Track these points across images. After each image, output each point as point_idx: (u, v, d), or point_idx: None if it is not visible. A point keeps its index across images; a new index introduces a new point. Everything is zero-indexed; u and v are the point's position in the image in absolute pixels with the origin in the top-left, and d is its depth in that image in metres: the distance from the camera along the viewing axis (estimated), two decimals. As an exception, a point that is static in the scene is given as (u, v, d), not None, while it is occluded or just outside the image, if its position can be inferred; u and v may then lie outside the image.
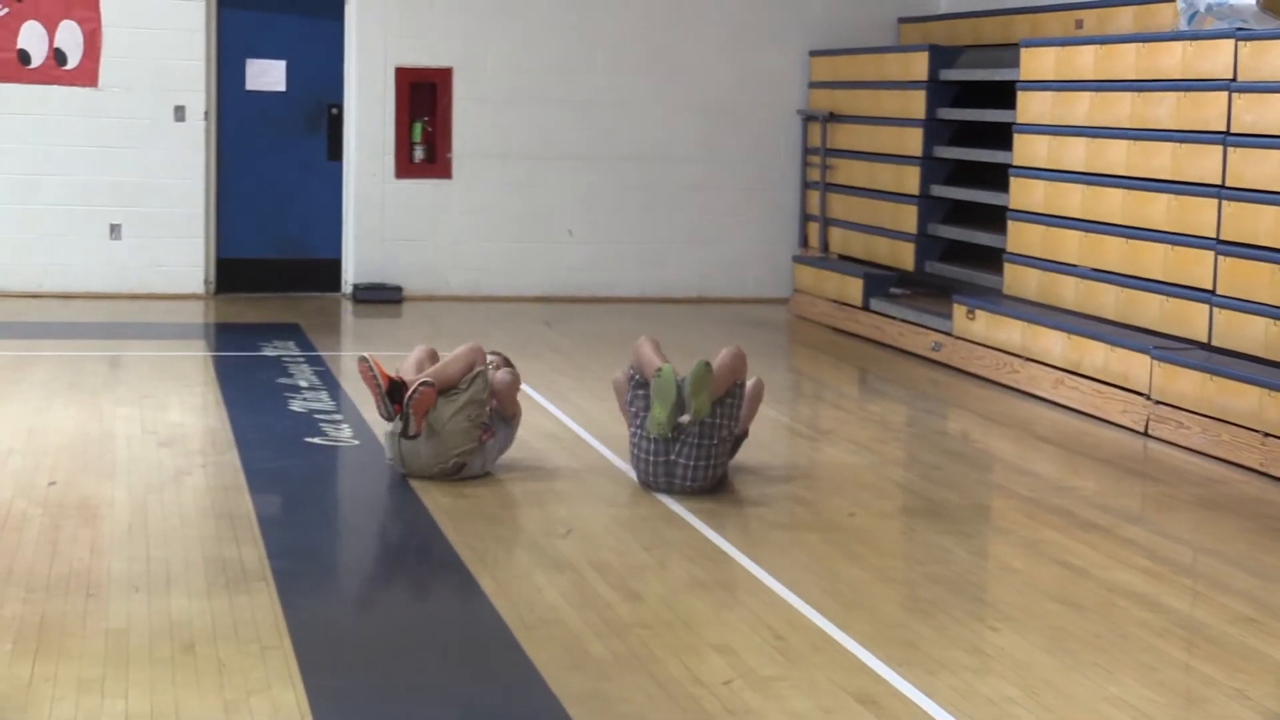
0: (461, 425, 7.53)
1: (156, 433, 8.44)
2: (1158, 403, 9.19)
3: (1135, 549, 6.86)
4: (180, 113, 13.46)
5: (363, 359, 7.55)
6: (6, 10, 13.10)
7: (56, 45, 13.23)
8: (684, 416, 7.34)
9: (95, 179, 13.38)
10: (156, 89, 13.40)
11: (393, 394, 7.48)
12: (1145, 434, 9.23)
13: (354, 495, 7.83)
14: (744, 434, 7.86)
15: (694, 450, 7.40)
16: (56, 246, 13.37)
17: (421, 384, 7.47)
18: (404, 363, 7.81)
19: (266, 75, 13.82)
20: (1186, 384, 8.96)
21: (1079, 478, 8.32)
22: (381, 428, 7.90)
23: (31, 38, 13.18)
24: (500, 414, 7.79)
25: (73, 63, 13.27)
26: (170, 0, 13.38)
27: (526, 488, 7.60)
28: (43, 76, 13.24)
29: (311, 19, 13.88)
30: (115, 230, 13.45)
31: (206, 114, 13.56)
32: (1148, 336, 9.55)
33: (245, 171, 13.82)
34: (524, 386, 8.22)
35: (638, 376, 7.56)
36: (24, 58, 13.19)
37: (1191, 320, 9.27)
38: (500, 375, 7.82)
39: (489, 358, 7.92)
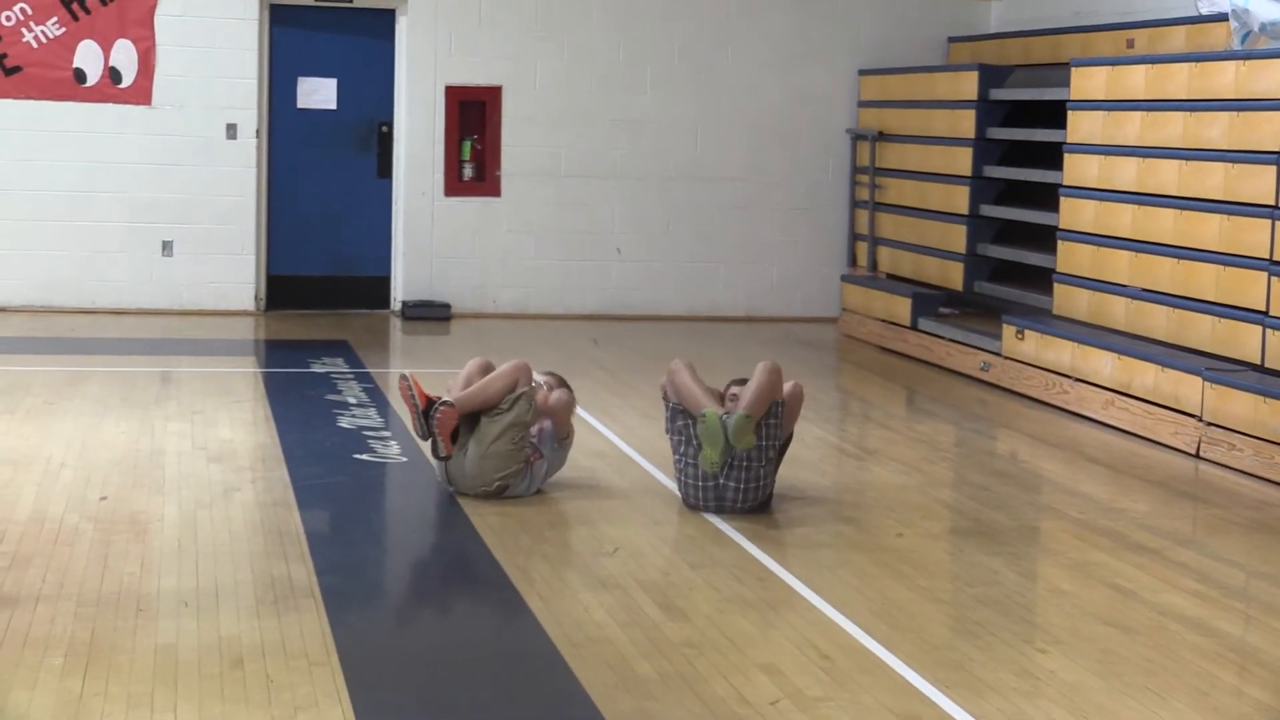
0: (505, 448, 7.52)
1: (206, 448, 8.49)
2: (1209, 424, 9.12)
3: (1186, 572, 6.81)
4: (232, 130, 13.56)
5: (403, 377, 7.58)
6: (64, 30, 13.23)
7: (112, 64, 13.35)
8: (733, 452, 7.34)
9: (148, 196, 13.48)
10: (209, 107, 13.50)
11: (429, 413, 7.50)
12: (1197, 456, 9.16)
13: (402, 512, 7.85)
14: (788, 437, 7.80)
15: (743, 474, 7.39)
16: (109, 263, 13.48)
17: (442, 403, 7.46)
18: (458, 377, 7.81)
19: (317, 93, 13.91)
20: (1239, 406, 8.89)
21: (1129, 499, 8.26)
22: (428, 445, 7.91)
23: (88, 56, 13.30)
24: (553, 435, 7.78)
25: (127, 81, 13.39)
26: (223, 19, 13.49)
27: (574, 506, 7.60)
28: (98, 95, 13.36)
29: (362, 38, 13.96)
30: (167, 247, 13.55)
31: (258, 132, 13.65)
32: (1199, 358, 9.48)
33: (296, 189, 13.91)
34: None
35: (675, 404, 7.54)
36: (80, 76, 13.31)
37: (1244, 341, 9.20)
38: (556, 395, 7.78)
39: (543, 378, 7.91)
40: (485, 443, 7.51)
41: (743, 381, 7.66)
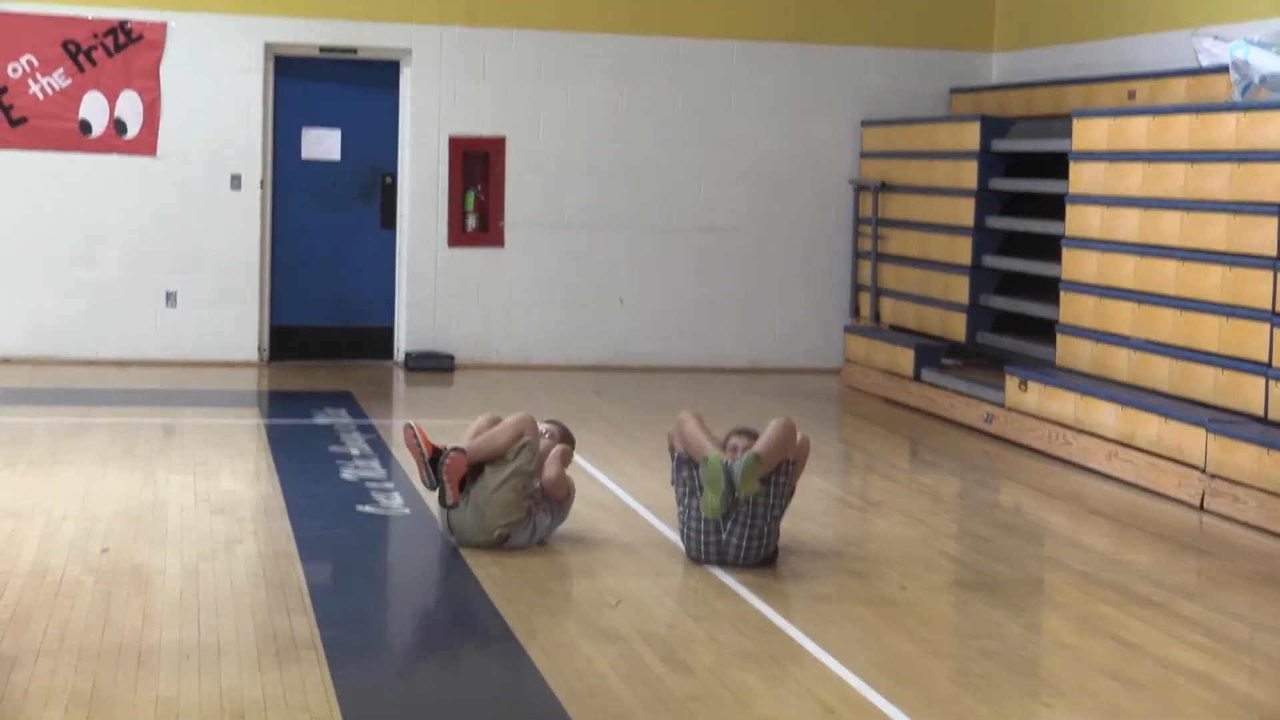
0: (507, 496, 7.52)
1: (209, 500, 8.48)
2: (1213, 476, 9.10)
3: (1192, 625, 6.78)
4: (236, 181, 13.60)
5: (408, 426, 7.58)
6: (70, 81, 13.30)
7: (117, 115, 13.41)
8: (735, 496, 7.32)
9: (152, 247, 13.52)
10: (214, 158, 13.55)
11: (435, 462, 7.50)
12: (1201, 508, 9.14)
13: (405, 564, 7.83)
14: (792, 492, 7.77)
15: (746, 529, 7.37)
16: (113, 314, 13.50)
17: (453, 449, 7.47)
18: (466, 431, 7.81)
19: (322, 144, 13.97)
20: (1243, 457, 8.87)
21: (1133, 552, 8.24)
22: (431, 496, 7.91)
23: (93, 108, 13.36)
24: (551, 497, 7.77)
25: (132, 132, 13.45)
26: (228, 71, 13.56)
27: (576, 558, 7.58)
28: (103, 146, 13.41)
29: (367, 89, 14.02)
30: (171, 298, 13.57)
31: (262, 182, 13.70)
32: (1203, 409, 9.47)
33: (300, 239, 13.95)
34: (575, 456, 8.20)
35: (681, 454, 7.53)
36: (85, 127, 13.37)
37: (1247, 393, 9.20)
38: (549, 468, 7.75)
39: (545, 427, 7.92)
40: (488, 490, 7.51)
41: (744, 432, 7.65)
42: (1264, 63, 9.77)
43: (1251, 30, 10.54)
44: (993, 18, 14.69)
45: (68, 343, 13.45)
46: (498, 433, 7.64)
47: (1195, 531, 8.72)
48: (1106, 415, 10.12)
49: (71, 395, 12.00)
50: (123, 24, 13.37)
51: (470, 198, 14.05)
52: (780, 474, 7.43)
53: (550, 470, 7.72)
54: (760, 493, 7.34)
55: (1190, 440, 9.32)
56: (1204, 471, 9.18)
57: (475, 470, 7.61)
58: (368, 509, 8.42)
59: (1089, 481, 9.94)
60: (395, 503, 8.58)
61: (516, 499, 7.54)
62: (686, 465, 7.50)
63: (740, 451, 7.45)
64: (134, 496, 8.49)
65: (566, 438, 8.00)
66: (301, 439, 10.40)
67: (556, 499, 7.78)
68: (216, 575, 7.00)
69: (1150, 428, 9.69)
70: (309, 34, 13.73)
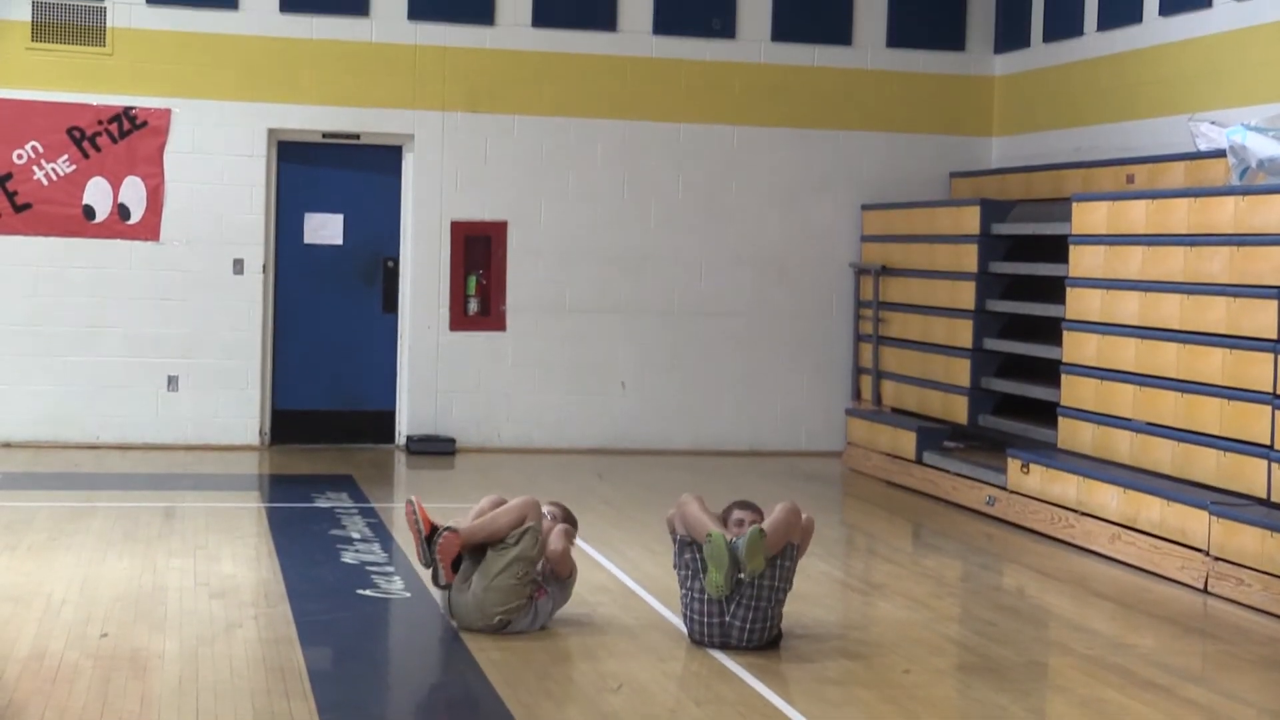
0: (508, 582, 7.48)
1: (209, 584, 8.44)
2: (1217, 559, 9.07)
3: (1197, 709, 6.74)
4: (239, 266, 13.65)
5: (409, 501, 7.58)
6: (74, 167, 13.38)
7: (121, 200, 13.48)
8: (740, 574, 7.30)
9: (155, 331, 13.55)
10: (216, 242, 13.61)
11: (432, 539, 7.48)
12: (1205, 591, 9.10)
13: (405, 648, 7.79)
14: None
15: (749, 611, 7.34)
16: (115, 398, 13.51)
17: (446, 529, 7.45)
18: (470, 512, 7.79)
19: (324, 229, 14.03)
20: (1246, 540, 8.85)
21: (1138, 635, 8.20)
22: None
23: (97, 193, 13.44)
24: (554, 575, 7.74)
25: (136, 217, 13.52)
26: (232, 156, 13.64)
27: (578, 641, 7.54)
28: (106, 231, 13.47)
29: (369, 174, 14.11)
30: (173, 382, 13.59)
31: (265, 267, 13.75)
32: (1205, 491, 9.45)
33: (302, 323, 13.98)
34: (576, 539, 8.18)
35: (683, 536, 7.51)
36: (89, 213, 13.44)
37: (1250, 475, 9.18)
38: (552, 544, 7.74)
39: (548, 509, 7.90)
40: (489, 576, 7.48)
41: (744, 504, 7.65)
42: (1261, 147, 9.83)
43: (1248, 115, 10.62)
44: (992, 103, 14.80)
45: (69, 427, 13.45)
46: (500, 514, 7.61)
47: (1199, 614, 8.68)
48: (1109, 498, 10.10)
49: (73, 479, 11.99)
50: (127, 111, 13.47)
51: (472, 282, 14.09)
52: (785, 557, 7.41)
53: (556, 543, 7.69)
54: (765, 574, 7.32)
55: (1193, 523, 9.30)
56: (1207, 554, 9.15)
57: (476, 554, 7.59)
58: (368, 593, 8.39)
59: (1092, 564, 9.90)
60: (396, 586, 8.55)
61: (518, 585, 7.51)
62: (689, 548, 7.48)
63: (744, 525, 7.45)
64: (134, 580, 8.46)
65: (569, 519, 7.98)
66: (302, 522, 10.38)
67: (560, 576, 7.75)
68: (216, 660, 6.96)
69: (1153, 510, 9.67)
70: (312, 120, 13.83)
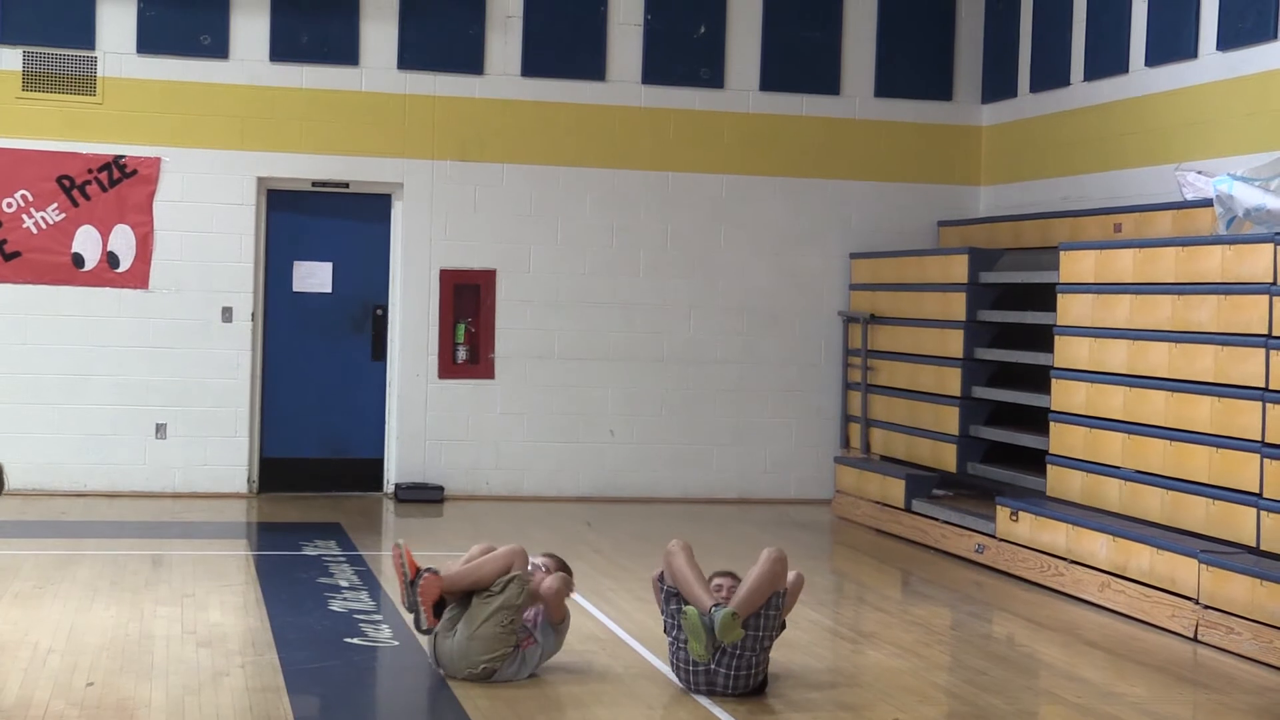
0: (493, 630, 7.46)
1: (196, 632, 8.41)
2: (1206, 607, 9.06)
3: (1187, 758, 6.71)
4: (228, 314, 13.65)
5: (396, 545, 7.58)
6: (63, 216, 13.39)
7: (110, 249, 13.49)
8: (718, 642, 7.29)
9: (143, 379, 13.54)
10: (205, 290, 13.62)
11: (415, 584, 7.47)
12: (1195, 639, 9.08)
13: (393, 697, 7.75)
14: (782, 625, 7.74)
15: (735, 661, 7.33)
16: (102, 446, 13.48)
17: (427, 571, 7.44)
18: (458, 560, 7.78)
19: (313, 277, 14.04)
20: (1236, 588, 8.84)
21: (1128, 684, 8.18)
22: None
23: (86, 241, 13.45)
24: (548, 620, 7.72)
25: (125, 265, 13.52)
26: (221, 204, 13.66)
27: (566, 690, 7.51)
28: (95, 279, 13.47)
29: (358, 222, 14.13)
30: (161, 430, 13.56)
31: (253, 315, 13.75)
32: (1195, 540, 9.45)
33: (290, 371, 13.97)
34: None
35: (669, 587, 7.51)
36: (78, 261, 13.44)
37: (1239, 524, 9.18)
38: (549, 581, 7.72)
39: (541, 560, 7.88)
40: (474, 624, 7.46)
41: (726, 574, 7.65)
42: (1248, 196, 9.88)
43: (1234, 165, 10.68)
44: (979, 152, 14.87)
45: (57, 475, 13.41)
46: (486, 561, 7.60)
47: (1190, 663, 8.66)
48: (1098, 546, 10.09)
49: (60, 527, 11.94)
50: (117, 159, 13.49)
51: (461, 330, 14.10)
52: (770, 607, 7.40)
53: (552, 584, 7.65)
54: (749, 624, 7.31)
55: (1183, 571, 9.29)
56: (1197, 602, 9.14)
57: (463, 600, 7.57)
58: (356, 641, 8.35)
59: (1082, 612, 9.89)
60: (384, 634, 8.51)
61: (503, 633, 7.48)
62: (675, 598, 7.47)
63: (723, 591, 7.45)
64: (120, 629, 8.42)
65: (564, 570, 7.96)
66: (290, 571, 10.34)
67: (553, 621, 7.72)
68: (203, 709, 6.92)
69: (1142, 558, 9.66)
70: (301, 169, 13.86)
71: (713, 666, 7.34)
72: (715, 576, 7.63)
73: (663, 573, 7.59)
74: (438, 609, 7.51)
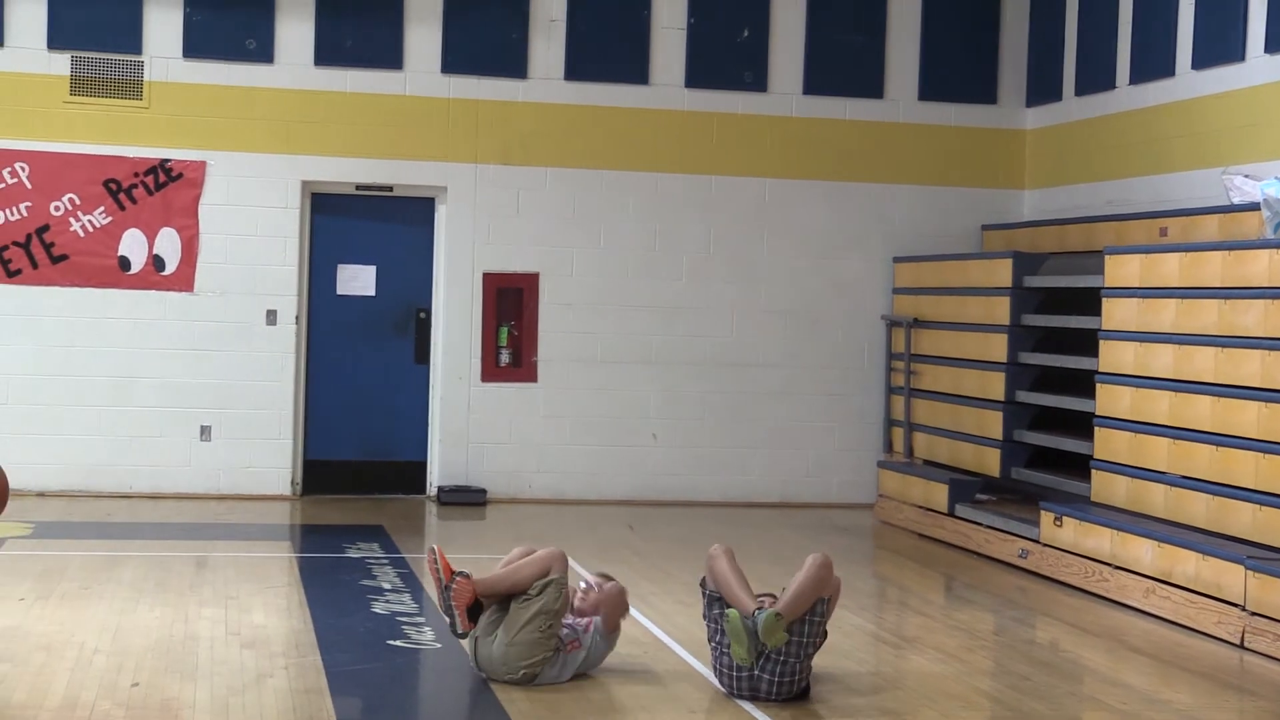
0: (531, 636, 7.46)
1: (240, 634, 8.44)
2: (1253, 614, 8.99)
3: (1234, 765, 6.67)
4: (272, 317, 13.72)
5: (430, 550, 7.59)
6: (110, 219, 13.48)
7: (156, 252, 13.57)
8: (763, 647, 7.28)
9: (188, 381, 13.61)
10: (250, 293, 13.68)
11: (449, 587, 7.48)
12: (1241, 646, 9.02)
13: (435, 699, 7.77)
14: (825, 634, 7.72)
15: (779, 667, 7.31)
16: (148, 448, 13.56)
17: (459, 574, 7.44)
18: (499, 563, 7.80)
19: (357, 280, 14.09)
20: (1282, 594, 8.77)
21: (1173, 690, 8.13)
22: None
23: (132, 244, 13.54)
24: (604, 627, 7.72)
25: (170, 268, 13.60)
26: (266, 208, 13.73)
27: (608, 693, 7.51)
28: (141, 282, 13.56)
29: (402, 226, 14.18)
30: (206, 432, 13.64)
31: (297, 318, 13.81)
32: (1241, 545, 9.38)
33: (334, 374, 14.02)
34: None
35: (712, 591, 7.51)
36: (124, 264, 13.53)
37: (1285, 529, 9.11)
38: (611, 585, 7.77)
39: (595, 579, 7.89)
40: (513, 630, 7.47)
41: (769, 595, 7.62)
42: (1295, 200, 9.80)
43: (1282, 168, 10.61)
44: (1024, 156, 14.81)
45: (102, 477, 13.50)
46: (524, 565, 7.59)
47: (1236, 670, 8.60)
48: (1143, 551, 10.03)
49: (105, 529, 12.02)
50: (163, 163, 13.57)
51: (504, 333, 14.12)
52: (814, 613, 7.38)
53: (615, 588, 7.70)
54: (793, 630, 7.29)
55: (1229, 577, 9.23)
56: (1243, 609, 9.08)
57: (502, 605, 7.59)
58: (399, 643, 8.37)
59: (1127, 618, 9.83)
60: (426, 637, 8.53)
61: (541, 639, 7.48)
62: (717, 602, 7.46)
63: (768, 600, 7.44)
64: (165, 630, 8.47)
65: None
66: (333, 573, 10.38)
67: (609, 627, 7.73)
68: (247, 710, 6.95)
69: (1188, 564, 9.60)
70: (345, 172, 13.92)
71: (756, 673, 7.32)
72: (760, 596, 7.61)
73: (704, 580, 7.59)
74: (473, 612, 7.52)
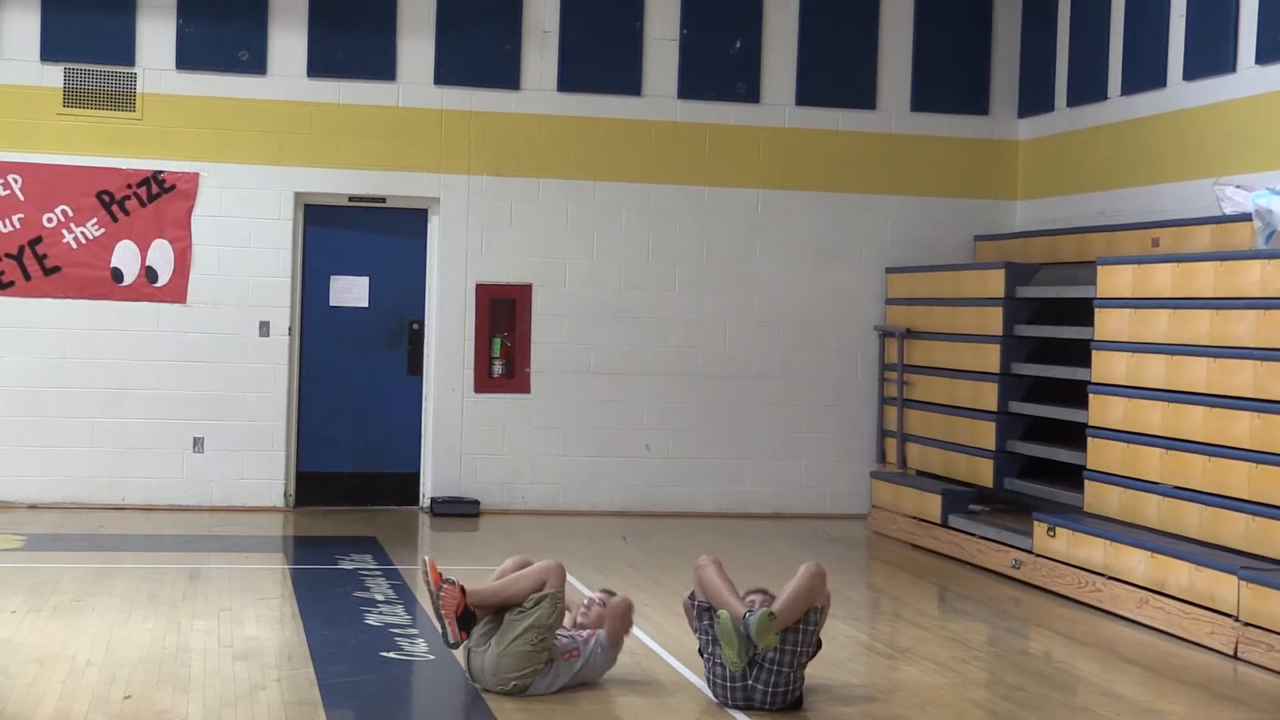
0: (523, 649, 7.45)
1: (232, 646, 8.43)
2: (1246, 624, 8.99)
3: (1227, 776, 6.67)
4: (265, 328, 13.71)
5: (423, 560, 7.59)
6: (103, 231, 13.47)
7: (148, 263, 13.56)
8: (754, 650, 7.27)
9: (180, 393, 13.60)
10: (243, 305, 13.67)
11: (438, 595, 7.49)
12: (1235, 657, 9.02)
13: (427, 711, 7.76)
14: (818, 643, 7.72)
15: (771, 677, 7.31)
16: (140, 459, 13.54)
17: (446, 582, 7.44)
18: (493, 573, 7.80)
19: (350, 291, 14.09)
20: (1277, 605, 8.77)
21: (1167, 701, 8.13)
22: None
23: (125, 256, 13.53)
24: (607, 639, 7.73)
25: (163, 280, 13.59)
26: (259, 219, 13.73)
27: (601, 705, 7.50)
28: (134, 294, 13.55)
29: (395, 237, 14.17)
30: (198, 443, 13.62)
31: (290, 329, 13.80)
32: (1234, 556, 9.38)
33: (327, 386, 14.01)
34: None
35: (701, 602, 7.51)
36: (117, 275, 13.52)
37: (1279, 540, 9.11)
38: (618, 599, 7.78)
39: (598, 595, 7.89)
40: (505, 641, 7.47)
41: (760, 591, 7.63)
42: (1286, 210, 9.82)
43: (1274, 179, 10.62)
44: (1016, 166, 14.83)
45: (95, 489, 13.48)
46: (520, 577, 7.60)
47: (1229, 681, 8.60)
48: (1136, 562, 10.04)
49: (98, 541, 12.00)
50: (156, 175, 13.57)
51: (497, 344, 14.12)
52: (807, 622, 7.38)
53: (622, 603, 7.70)
54: (786, 639, 7.28)
55: (1222, 588, 9.23)
56: (1237, 619, 9.08)
57: (496, 616, 7.58)
58: (392, 655, 8.36)
59: (1120, 629, 9.83)
60: (419, 649, 8.52)
61: (532, 652, 7.48)
62: (707, 613, 7.46)
63: (759, 602, 7.43)
64: (157, 642, 8.46)
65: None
66: (326, 584, 10.37)
67: (611, 640, 7.73)
68: (239, 722, 6.94)
69: (1181, 575, 9.60)
70: (338, 184, 13.92)
71: (750, 683, 7.32)
72: (750, 594, 7.62)
73: (693, 593, 7.59)
74: (465, 622, 7.51)
